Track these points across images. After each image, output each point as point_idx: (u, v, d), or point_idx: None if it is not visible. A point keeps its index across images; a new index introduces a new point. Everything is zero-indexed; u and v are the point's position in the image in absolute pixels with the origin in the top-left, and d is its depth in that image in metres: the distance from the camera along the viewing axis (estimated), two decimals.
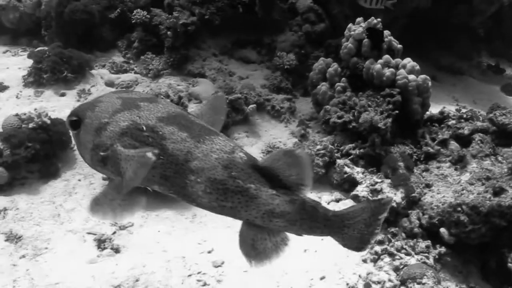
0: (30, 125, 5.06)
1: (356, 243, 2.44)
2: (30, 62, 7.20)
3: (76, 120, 2.37)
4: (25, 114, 5.18)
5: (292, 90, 7.40)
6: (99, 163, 2.30)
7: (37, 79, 6.61)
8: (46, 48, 7.24)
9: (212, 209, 2.32)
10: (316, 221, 2.34)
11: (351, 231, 2.42)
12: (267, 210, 2.29)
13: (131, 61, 7.57)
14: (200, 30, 7.53)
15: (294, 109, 6.87)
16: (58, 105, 6.25)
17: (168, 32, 7.25)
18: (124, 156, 2.27)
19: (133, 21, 7.58)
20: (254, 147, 6.12)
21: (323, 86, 6.34)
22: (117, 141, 2.31)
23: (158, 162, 2.25)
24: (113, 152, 2.30)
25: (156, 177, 2.32)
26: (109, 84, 6.84)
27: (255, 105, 6.36)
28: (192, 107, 5.97)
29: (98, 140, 2.32)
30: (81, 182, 5.18)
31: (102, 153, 2.30)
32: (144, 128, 2.26)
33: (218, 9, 7.73)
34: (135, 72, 7.26)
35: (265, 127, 6.50)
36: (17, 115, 5.19)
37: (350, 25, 6.34)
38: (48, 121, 5.16)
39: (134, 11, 7.59)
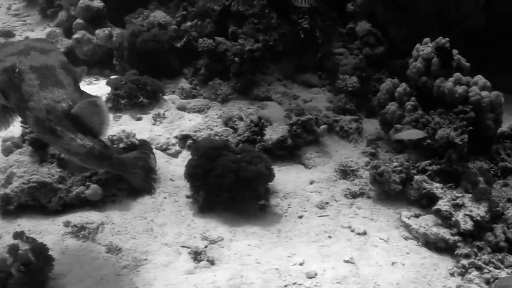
0: (120, 145, 5.35)
1: (142, 183, 3.52)
2: (104, 90, 7.61)
3: None
4: (114, 135, 5.47)
5: (357, 112, 7.52)
6: None
7: (115, 104, 6.98)
8: (119, 76, 7.65)
9: (42, 138, 3.38)
10: (103, 161, 3.26)
11: (132, 170, 3.41)
12: (65, 148, 3.20)
13: (197, 87, 7.87)
14: (264, 56, 7.80)
15: (361, 130, 6.99)
16: (136, 128, 6.53)
17: (236, 59, 7.54)
18: None
19: (199, 49, 7.91)
20: (327, 166, 6.25)
21: (392, 106, 6.45)
22: (7, 75, 3.31)
23: (15, 96, 3.28)
24: None
25: (14, 106, 3.39)
26: (181, 108, 7.13)
27: (326, 125, 6.52)
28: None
29: None
30: (166, 199, 5.40)
31: None
32: (17, 70, 3.29)
33: (281, 36, 8.01)
34: (204, 97, 7.54)
35: (335, 147, 6.63)
36: (107, 137, 5.49)
37: (417, 45, 6.48)
38: (136, 141, 5.45)
39: (200, 40, 7.94)
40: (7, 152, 5.61)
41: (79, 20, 8.66)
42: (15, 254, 3.77)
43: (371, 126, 7.27)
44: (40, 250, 3.92)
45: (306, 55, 8.39)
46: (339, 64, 8.13)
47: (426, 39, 6.50)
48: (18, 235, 4.09)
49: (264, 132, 5.89)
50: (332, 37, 8.54)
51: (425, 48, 6.37)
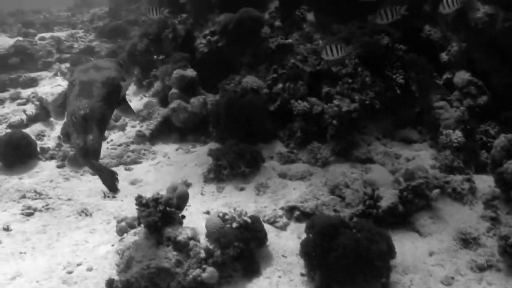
0: (234, 225, 5.31)
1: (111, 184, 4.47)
2: (203, 158, 7.75)
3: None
4: (227, 214, 5.45)
5: (465, 169, 7.10)
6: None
7: (217, 175, 7.04)
8: (219, 146, 7.76)
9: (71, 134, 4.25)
10: (85, 159, 4.15)
11: (105, 173, 4.41)
12: (72, 142, 4.22)
13: (294, 151, 7.79)
14: (361, 115, 7.64)
15: (474, 190, 6.55)
16: (240, 200, 6.54)
17: (334, 121, 7.44)
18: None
19: (294, 112, 7.91)
20: (444, 234, 5.85)
21: (511, 165, 6.00)
22: (70, 85, 4.48)
23: (66, 101, 4.43)
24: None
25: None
26: (282, 175, 7.05)
27: (439, 190, 6.17)
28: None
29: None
30: (281, 278, 5.24)
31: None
32: (73, 83, 4.40)
33: (377, 93, 7.84)
34: (303, 162, 7.45)
35: (449, 212, 6.23)
36: (218, 215, 5.49)
37: None
38: (249, 220, 5.38)
39: (295, 102, 7.93)
40: (122, 232, 5.76)
41: (174, 90, 8.96)
42: None
43: (483, 183, 6.80)
44: None
45: (403, 110, 8.15)
46: (440, 118, 7.79)
47: None
48: None
49: (379, 204, 5.66)
50: (429, 90, 8.25)
51: None
